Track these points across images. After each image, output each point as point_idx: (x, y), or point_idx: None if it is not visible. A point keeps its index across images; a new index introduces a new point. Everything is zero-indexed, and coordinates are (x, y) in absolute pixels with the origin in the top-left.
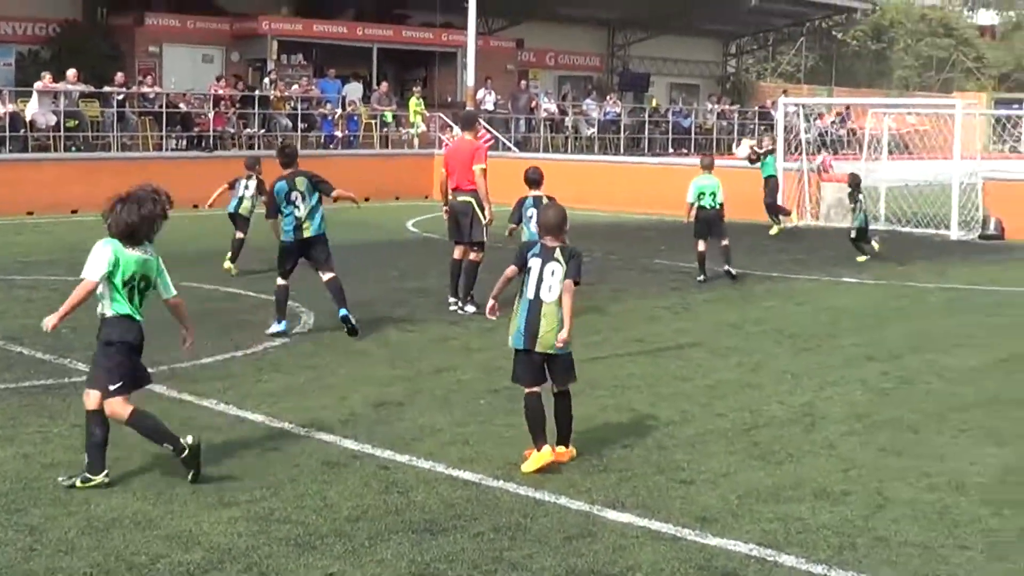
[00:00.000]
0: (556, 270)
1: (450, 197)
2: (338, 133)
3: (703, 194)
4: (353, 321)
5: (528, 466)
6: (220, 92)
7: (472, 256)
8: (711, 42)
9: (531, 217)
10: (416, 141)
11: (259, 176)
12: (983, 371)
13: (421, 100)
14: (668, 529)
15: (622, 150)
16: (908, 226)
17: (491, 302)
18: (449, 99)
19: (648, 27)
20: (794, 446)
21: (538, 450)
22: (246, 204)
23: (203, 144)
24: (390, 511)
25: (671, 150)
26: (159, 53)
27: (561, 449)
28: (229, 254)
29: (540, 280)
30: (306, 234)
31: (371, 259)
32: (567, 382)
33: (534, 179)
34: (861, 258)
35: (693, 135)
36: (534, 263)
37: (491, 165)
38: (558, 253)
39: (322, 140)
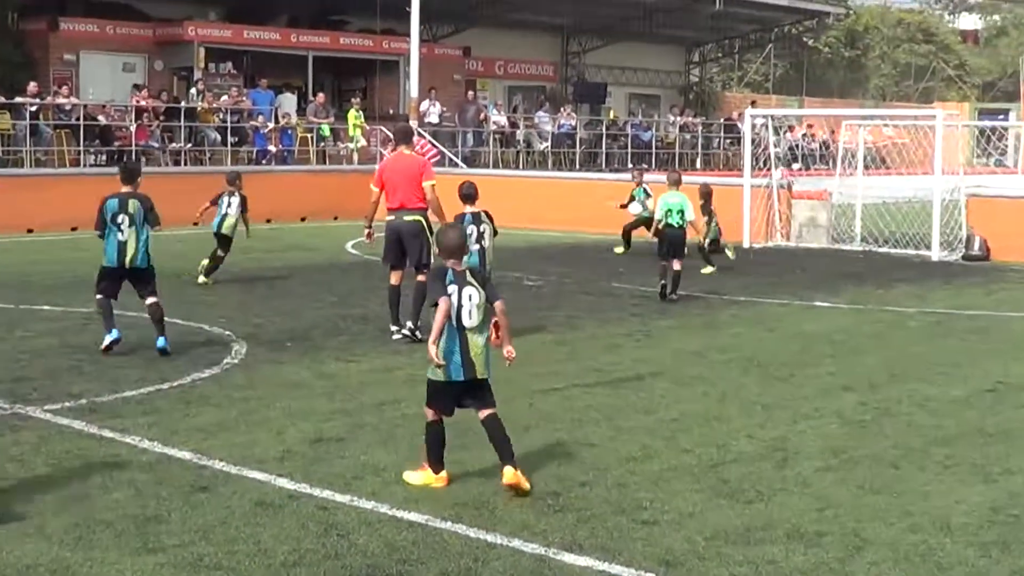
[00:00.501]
0: (473, 295)
1: (390, 218)
2: (271, 148)
3: (671, 211)
4: (168, 350)
5: (414, 478)
6: (143, 103)
7: (422, 277)
8: (673, 49)
9: (470, 234)
10: (356, 156)
11: (241, 192)
12: (968, 402)
13: (361, 112)
14: (629, 573)
15: (578, 165)
16: (886, 246)
17: (432, 348)
18: (391, 111)
19: (605, 34)
20: (765, 483)
21: (434, 472)
22: (229, 222)
23: (124, 160)
24: (329, 555)
25: (630, 165)
26: (76, 61)
27: (512, 472)
28: (204, 264)
29: (460, 306)
30: (129, 263)
31: (308, 284)
32: (493, 404)
33: (469, 194)
34: (707, 270)
35: (654, 149)
36: (452, 290)
37: (437, 182)
38: (469, 277)
39: (254, 155)
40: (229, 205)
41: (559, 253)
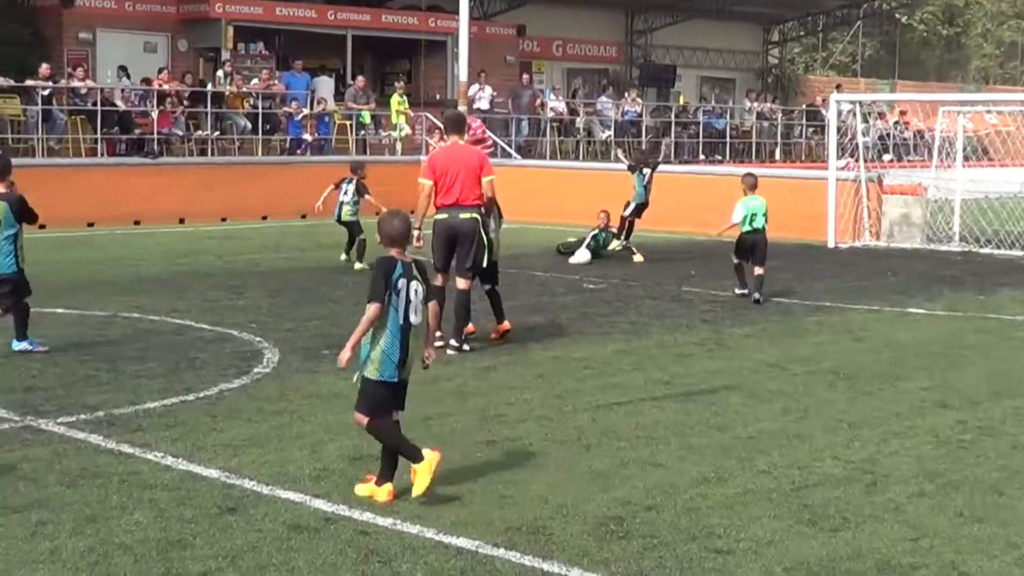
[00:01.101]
0: (419, 290)
1: (441, 215)
2: (306, 136)
3: (754, 215)
4: (35, 346)
5: (365, 491)
6: (165, 87)
7: (463, 284)
8: (749, 28)
9: None
10: (399, 146)
11: (361, 179)
12: None
13: (404, 97)
14: None
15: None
16: (988, 247)
17: (347, 353)
18: (437, 96)
19: (674, 10)
20: (852, 509)
21: (378, 484)
22: (346, 210)
23: (146, 149)
24: None
25: (702, 156)
26: (92, 40)
27: (387, 488)
28: (350, 255)
29: (408, 302)
30: None
31: (346, 286)
32: (403, 407)
33: None
34: (637, 258)
35: (728, 139)
36: (402, 284)
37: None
38: (415, 270)
39: (287, 145)
40: (345, 192)
41: (621, 254)
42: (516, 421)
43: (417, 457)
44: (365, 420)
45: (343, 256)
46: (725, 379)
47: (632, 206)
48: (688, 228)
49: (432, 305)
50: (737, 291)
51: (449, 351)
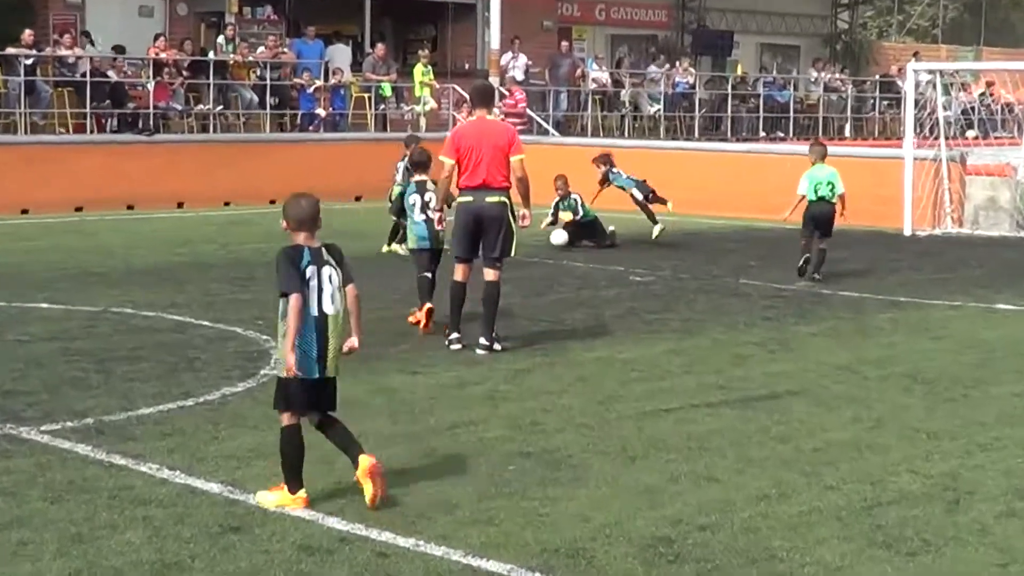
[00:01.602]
0: (333, 275)
1: (466, 198)
2: (320, 111)
3: (820, 184)
4: None
5: (268, 500)
6: (163, 56)
7: (492, 275)
8: None
9: (413, 204)
10: (423, 121)
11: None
12: None
13: (429, 67)
14: None
15: (697, 134)
16: None
17: (291, 357)
18: (466, 66)
19: None
20: (932, 530)
21: (291, 492)
22: (394, 190)
23: (140, 125)
24: None
25: (762, 133)
26: (81, 4)
27: (366, 467)
28: (392, 240)
29: (320, 290)
30: None
31: (363, 278)
32: (334, 406)
33: (421, 162)
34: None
35: (792, 113)
36: (311, 272)
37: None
38: (326, 254)
39: (298, 120)
40: (396, 171)
41: (674, 242)
42: (553, 430)
43: (293, 486)
44: (282, 418)
45: (385, 246)
46: (788, 383)
47: (637, 194)
48: (747, 214)
49: (351, 289)
50: (799, 264)
51: (479, 350)
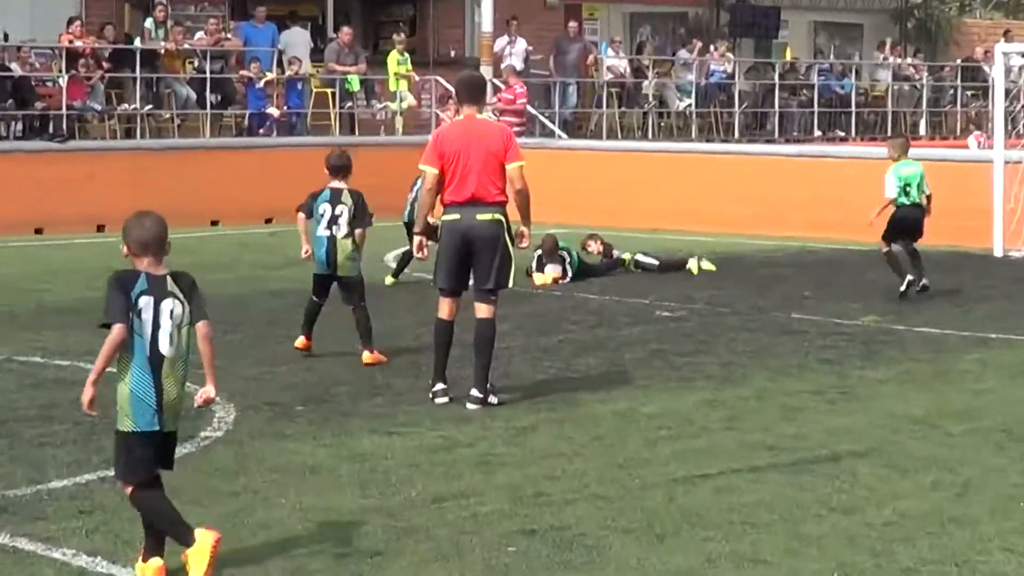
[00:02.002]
0: (176, 310)
1: (451, 216)
2: (272, 110)
3: (908, 185)
4: None
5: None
6: (78, 45)
7: (485, 311)
8: None
9: (322, 215)
10: (399, 122)
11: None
12: None
13: (407, 56)
14: None
15: (736, 134)
16: None
17: (88, 392)
18: (452, 53)
19: None
20: None
21: (143, 559)
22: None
23: (52, 130)
24: None
25: (818, 133)
26: None
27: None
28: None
29: (157, 327)
30: None
31: (327, 316)
32: (171, 464)
33: (341, 166)
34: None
35: (854, 107)
36: (145, 303)
37: (526, 163)
38: (171, 284)
39: (246, 122)
40: (413, 185)
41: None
42: (563, 502)
43: (188, 539)
44: (128, 489)
45: (389, 277)
46: (852, 442)
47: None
48: (799, 232)
49: (201, 327)
50: (901, 289)
51: (470, 405)
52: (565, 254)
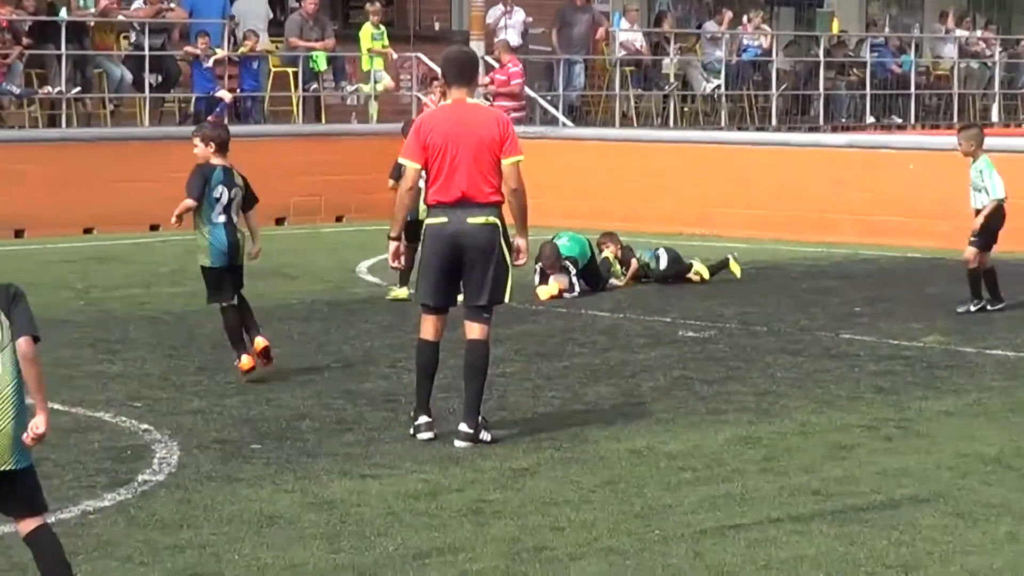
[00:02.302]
0: None
1: (437, 219)
2: (224, 94)
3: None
4: None
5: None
6: None
7: (478, 332)
8: None
9: (218, 198)
10: (374, 108)
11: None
12: None
13: (383, 29)
14: None
15: (774, 120)
16: None
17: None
18: (436, 26)
19: None
20: None
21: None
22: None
23: None
24: None
25: (871, 119)
26: None
27: None
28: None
29: None
30: None
31: (289, 337)
32: (40, 508)
33: (219, 140)
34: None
35: (914, 89)
36: None
37: (525, 154)
38: None
39: (191, 108)
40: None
41: (742, 278)
42: (568, 558)
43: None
44: None
45: (391, 293)
46: (913, 485)
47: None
48: (849, 237)
49: (23, 344)
50: (970, 309)
51: (459, 442)
52: (570, 264)
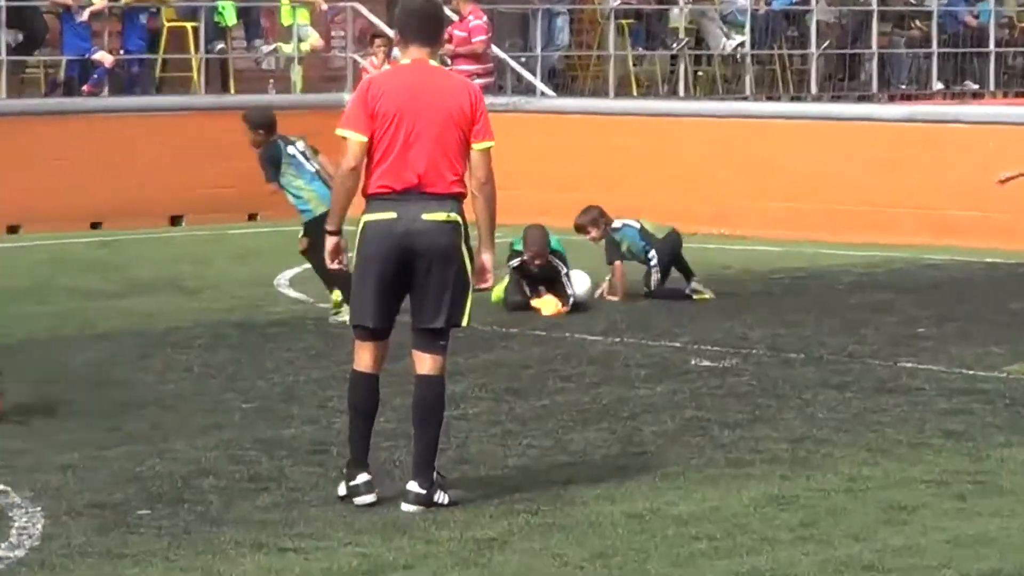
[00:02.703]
0: None
1: (383, 215)
2: (103, 56)
3: None
4: None
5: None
6: None
7: (431, 364)
8: None
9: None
10: (297, 73)
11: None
12: None
13: None
14: None
15: (813, 87)
16: None
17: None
18: None
19: None
20: None
21: None
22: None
23: None
24: None
25: (938, 85)
26: None
27: None
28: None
29: None
30: None
31: (184, 371)
32: None
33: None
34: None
35: (993, 48)
36: None
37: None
38: None
39: (62, 74)
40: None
41: (773, 291)
42: None
43: None
44: None
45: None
46: (994, 557)
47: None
48: (907, 237)
49: None
50: None
51: (407, 506)
52: (559, 263)
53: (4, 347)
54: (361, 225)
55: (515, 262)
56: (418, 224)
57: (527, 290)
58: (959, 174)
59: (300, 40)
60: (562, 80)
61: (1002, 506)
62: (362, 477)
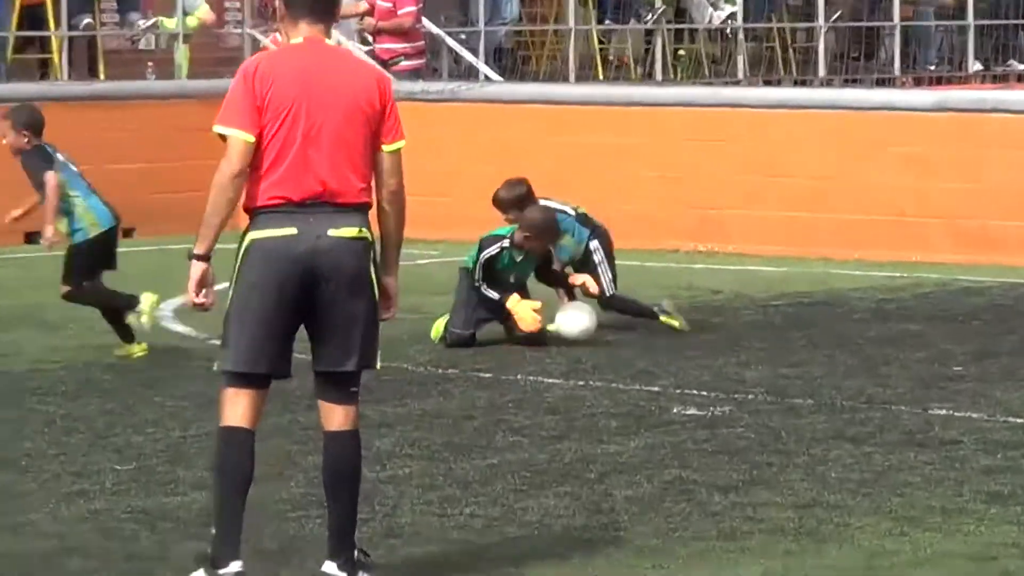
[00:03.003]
0: None
1: (271, 231)
2: None
3: None
4: None
5: None
6: None
7: (342, 417)
8: None
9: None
10: (183, 55)
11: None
12: None
13: None
14: None
15: (822, 69)
16: None
17: None
18: None
19: None
20: None
21: None
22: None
23: None
24: None
25: (976, 66)
26: None
27: None
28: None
29: None
30: None
31: (56, 421)
32: None
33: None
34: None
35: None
36: None
37: (426, 124)
38: None
39: None
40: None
41: (773, 322)
42: None
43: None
44: None
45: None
46: None
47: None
48: (940, 253)
49: None
50: None
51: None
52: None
53: None
54: (245, 244)
55: (505, 243)
56: (324, 241)
57: (495, 294)
58: (1001, 175)
59: (186, 13)
60: (510, 61)
61: None
62: (234, 567)
